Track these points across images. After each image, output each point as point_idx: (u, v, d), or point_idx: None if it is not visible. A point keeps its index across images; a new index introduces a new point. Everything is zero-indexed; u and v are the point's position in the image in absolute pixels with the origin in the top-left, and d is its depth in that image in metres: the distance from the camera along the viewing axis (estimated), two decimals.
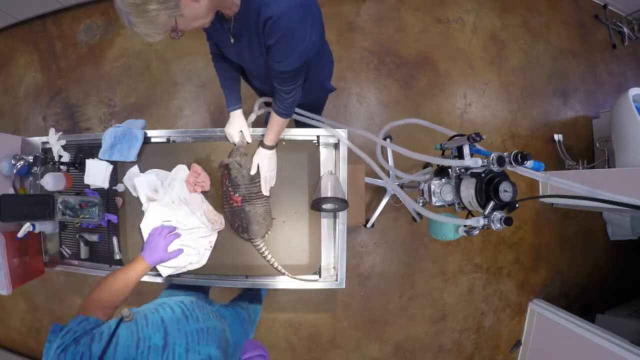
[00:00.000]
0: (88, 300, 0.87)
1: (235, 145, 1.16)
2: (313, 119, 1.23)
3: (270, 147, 1.11)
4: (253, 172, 1.10)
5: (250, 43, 0.90)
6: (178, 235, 1.08)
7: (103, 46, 2.40)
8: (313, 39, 0.85)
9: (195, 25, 0.77)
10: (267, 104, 1.22)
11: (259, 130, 1.22)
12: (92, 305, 0.85)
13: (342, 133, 1.20)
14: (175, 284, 1.23)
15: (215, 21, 0.83)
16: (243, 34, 0.89)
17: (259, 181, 1.12)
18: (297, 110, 1.21)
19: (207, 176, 1.17)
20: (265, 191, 1.13)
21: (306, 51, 0.87)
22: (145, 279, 1.13)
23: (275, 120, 1.07)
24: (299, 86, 1.00)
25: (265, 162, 1.12)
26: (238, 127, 1.16)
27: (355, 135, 1.24)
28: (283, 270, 1.17)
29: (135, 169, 1.20)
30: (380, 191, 2.18)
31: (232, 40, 0.92)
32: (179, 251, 1.07)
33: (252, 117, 1.21)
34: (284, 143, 1.21)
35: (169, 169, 1.19)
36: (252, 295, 1.56)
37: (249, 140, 1.17)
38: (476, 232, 0.93)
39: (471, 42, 2.41)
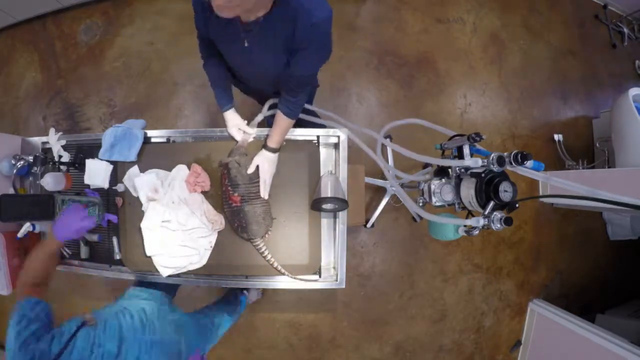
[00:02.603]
0: (19, 286, 0.90)
1: (236, 144, 1.16)
2: (316, 119, 1.23)
3: (274, 150, 1.11)
4: (250, 171, 1.10)
5: (266, 45, 0.91)
6: (92, 224, 1.01)
7: (103, 46, 2.40)
8: (331, 44, 0.94)
9: (222, 12, 0.72)
10: (274, 106, 1.21)
11: (265, 131, 1.21)
12: (25, 289, 0.87)
13: (351, 126, 1.19)
14: (143, 281, 1.20)
15: (226, 22, 0.82)
16: (262, 36, 0.89)
17: (259, 181, 1.12)
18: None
19: (207, 176, 1.17)
20: (265, 194, 1.13)
21: (327, 56, 0.95)
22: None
23: (283, 121, 1.07)
24: (312, 87, 1.01)
25: (266, 165, 1.11)
26: (235, 125, 1.16)
27: (356, 133, 1.24)
28: (283, 270, 1.17)
29: (135, 169, 1.20)
30: (380, 191, 2.18)
31: (245, 44, 0.92)
32: (88, 225, 1.00)
33: (260, 117, 1.20)
34: (284, 143, 1.21)
35: (169, 169, 1.19)
36: (228, 304, 1.53)
37: (251, 131, 1.16)
38: (476, 232, 0.93)
39: (471, 42, 2.41)
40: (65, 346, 0.73)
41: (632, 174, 1.79)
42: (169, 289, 1.22)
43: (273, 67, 0.98)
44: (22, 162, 1.21)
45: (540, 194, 2.19)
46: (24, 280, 0.90)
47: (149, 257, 1.15)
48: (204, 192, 1.17)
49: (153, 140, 1.26)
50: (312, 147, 1.22)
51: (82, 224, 0.99)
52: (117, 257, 1.25)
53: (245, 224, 1.11)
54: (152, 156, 1.22)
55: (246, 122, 1.18)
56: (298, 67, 0.93)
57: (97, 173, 1.21)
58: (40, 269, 0.92)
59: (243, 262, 1.19)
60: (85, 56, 2.41)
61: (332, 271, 1.23)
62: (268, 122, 1.27)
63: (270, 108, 1.20)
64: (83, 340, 0.77)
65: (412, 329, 2.18)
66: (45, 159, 1.25)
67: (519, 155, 0.80)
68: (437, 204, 1.03)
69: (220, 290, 1.97)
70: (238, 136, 1.16)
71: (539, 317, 2.16)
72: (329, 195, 1.11)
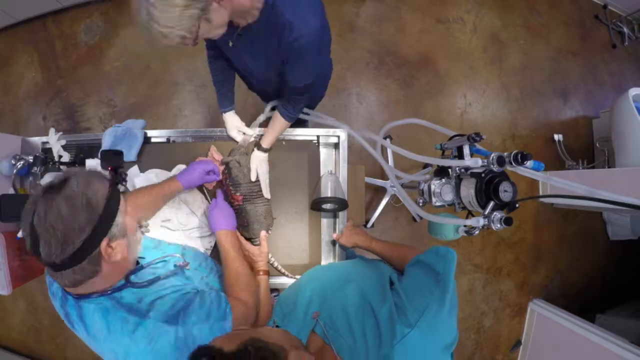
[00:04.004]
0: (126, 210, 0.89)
1: (237, 143, 1.16)
2: (318, 117, 1.24)
3: (266, 150, 1.12)
4: (253, 178, 1.10)
5: (251, 50, 0.92)
6: (217, 178, 1.09)
7: (103, 46, 2.40)
8: (325, 59, 0.93)
9: (214, 34, 0.76)
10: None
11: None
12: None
13: (345, 131, 1.19)
14: None
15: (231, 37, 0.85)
16: (250, 41, 0.90)
17: (260, 180, 1.12)
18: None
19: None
20: (267, 194, 1.14)
21: (318, 69, 0.95)
22: None
23: (280, 123, 1.08)
24: (309, 94, 1.02)
25: (263, 165, 1.13)
26: (234, 127, 1.17)
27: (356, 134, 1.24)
28: (283, 270, 1.17)
29: (135, 169, 1.20)
30: (380, 191, 2.18)
31: (230, 44, 0.93)
32: (215, 176, 1.07)
33: (262, 117, 1.21)
34: (284, 143, 1.21)
35: (169, 169, 1.18)
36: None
37: (251, 132, 1.17)
38: (476, 232, 0.93)
39: (471, 42, 2.41)
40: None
41: (632, 174, 1.79)
42: None
43: (264, 71, 1.00)
44: (22, 162, 1.20)
45: (540, 194, 2.19)
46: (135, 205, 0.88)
47: None
48: (206, 189, 1.17)
49: (153, 140, 1.26)
50: (312, 147, 1.22)
51: (207, 177, 1.05)
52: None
53: (246, 223, 1.11)
54: (152, 156, 1.22)
55: (244, 123, 1.19)
56: (288, 78, 0.94)
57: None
58: (151, 206, 0.94)
59: None
60: (85, 56, 2.41)
61: None
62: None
63: (272, 109, 1.20)
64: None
65: None
66: (45, 159, 1.24)
67: (519, 155, 0.80)
68: (437, 204, 1.03)
69: None
70: (238, 137, 1.17)
71: (539, 317, 2.16)
72: (329, 195, 1.11)
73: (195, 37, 0.70)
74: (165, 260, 0.80)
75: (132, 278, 0.70)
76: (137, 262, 0.75)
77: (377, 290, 0.66)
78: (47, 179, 1.17)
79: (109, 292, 0.65)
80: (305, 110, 1.23)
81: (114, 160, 0.95)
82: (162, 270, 0.77)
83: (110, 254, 0.61)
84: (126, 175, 0.95)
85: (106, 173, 0.83)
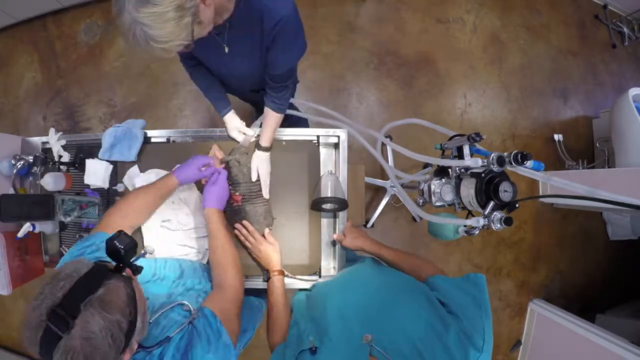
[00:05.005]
0: (111, 213, 0.84)
1: (238, 143, 1.16)
2: (299, 113, 1.24)
3: (267, 149, 1.12)
4: (254, 178, 1.10)
5: (244, 47, 0.91)
6: (216, 171, 1.04)
7: (103, 46, 2.40)
8: (304, 40, 0.92)
9: (205, 32, 0.77)
10: None
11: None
12: (116, 217, 0.83)
13: (349, 122, 1.19)
14: None
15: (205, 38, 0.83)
16: (237, 39, 0.90)
17: (259, 180, 1.12)
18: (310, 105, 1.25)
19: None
20: (267, 194, 1.13)
21: (303, 48, 0.94)
22: None
23: (272, 117, 1.08)
24: (293, 81, 1.02)
25: (264, 165, 1.12)
26: (235, 127, 1.17)
27: (355, 133, 1.24)
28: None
29: (135, 169, 1.20)
30: (380, 191, 2.18)
31: (226, 50, 0.92)
32: (215, 175, 1.03)
33: (262, 117, 1.20)
34: (284, 143, 1.21)
35: (169, 169, 1.18)
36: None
37: (251, 133, 1.17)
38: (476, 232, 0.93)
39: (471, 42, 2.41)
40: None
41: (632, 174, 1.79)
42: None
43: (253, 68, 0.99)
44: (22, 162, 1.20)
45: (540, 194, 2.19)
46: (126, 211, 0.85)
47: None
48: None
49: (153, 140, 1.26)
50: (312, 147, 1.22)
51: (204, 172, 1.01)
52: None
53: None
54: (152, 156, 1.22)
55: (244, 123, 1.19)
56: (273, 65, 0.93)
57: (97, 173, 1.21)
58: (147, 206, 0.90)
59: (243, 262, 1.19)
60: (85, 56, 2.41)
61: (332, 271, 1.23)
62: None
63: None
64: (146, 264, 0.77)
65: None
66: (45, 159, 1.24)
67: (519, 155, 0.80)
68: (437, 204, 1.03)
69: None
70: (239, 138, 1.17)
71: (539, 317, 2.16)
72: (329, 195, 1.11)
73: (192, 41, 0.71)
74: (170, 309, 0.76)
75: (143, 342, 0.65)
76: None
77: (431, 311, 0.64)
78: (47, 179, 1.17)
79: None
80: (313, 105, 1.23)
81: (128, 254, 0.59)
82: (166, 321, 0.72)
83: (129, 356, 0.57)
84: (141, 268, 0.64)
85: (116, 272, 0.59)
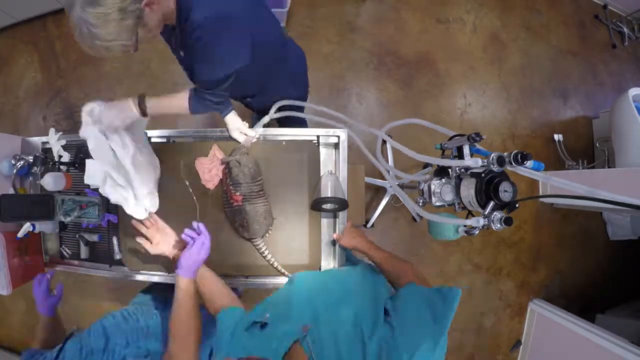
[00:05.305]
0: (175, 346, 0.80)
1: (239, 144, 1.16)
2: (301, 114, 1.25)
3: (143, 114, 1.00)
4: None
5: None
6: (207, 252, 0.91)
7: None
8: (231, 56, 0.84)
9: (153, 34, 0.79)
10: (280, 109, 1.21)
11: (269, 130, 1.22)
12: (180, 346, 0.79)
13: (349, 121, 1.19)
14: (149, 287, 1.24)
15: (170, 37, 0.84)
16: (183, 45, 0.90)
17: (261, 180, 1.12)
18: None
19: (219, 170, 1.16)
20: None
21: (222, 66, 0.86)
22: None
23: (179, 102, 1.00)
24: (222, 101, 1.01)
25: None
26: (236, 128, 1.17)
27: (356, 133, 1.24)
28: (283, 270, 1.17)
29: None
30: (380, 191, 2.18)
31: (181, 53, 0.93)
32: (191, 241, 0.89)
33: (266, 119, 1.20)
34: (284, 143, 1.21)
35: (169, 168, 1.19)
36: None
37: (253, 133, 1.17)
38: (476, 232, 0.93)
39: (471, 42, 2.41)
40: (56, 356, 0.78)
41: (632, 174, 1.79)
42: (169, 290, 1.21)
43: None
44: (22, 162, 1.20)
45: (540, 194, 2.19)
46: (180, 336, 0.79)
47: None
48: (204, 192, 1.17)
49: (153, 140, 1.26)
50: (312, 147, 1.22)
51: (203, 256, 0.88)
52: (117, 257, 1.25)
53: (246, 223, 1.11)
54: None
55: (246, 124, 1.19)
56: (194, 73, 0.91)
57: (97, 173, 1.21)
58: (187, 319, 0.81)
59: (243, 262, 1.19)
60: (85, 56, 2.40)
61: None
62: (278, 122, 1.30)
63: (277, 110, 1.20)
64: (71, 348, 0.81)
65: None
66: (45, 159, 1.24)
67: (519, 155, 0.80)
68: (437, 204, 1.03)
69: None
70: (240, 139, 1.17)
71: (539, 317, 2.17)
72: (329, 195, 1.11)
73: (135, 43, 0.74)
74: None
75: None
76: None
77: (370, 316, 0.65)
78: (47, 179, 1.17)
79: None
80: (313, 106, 1.22)
81: None
82: None
83: None
84: None
85: None
